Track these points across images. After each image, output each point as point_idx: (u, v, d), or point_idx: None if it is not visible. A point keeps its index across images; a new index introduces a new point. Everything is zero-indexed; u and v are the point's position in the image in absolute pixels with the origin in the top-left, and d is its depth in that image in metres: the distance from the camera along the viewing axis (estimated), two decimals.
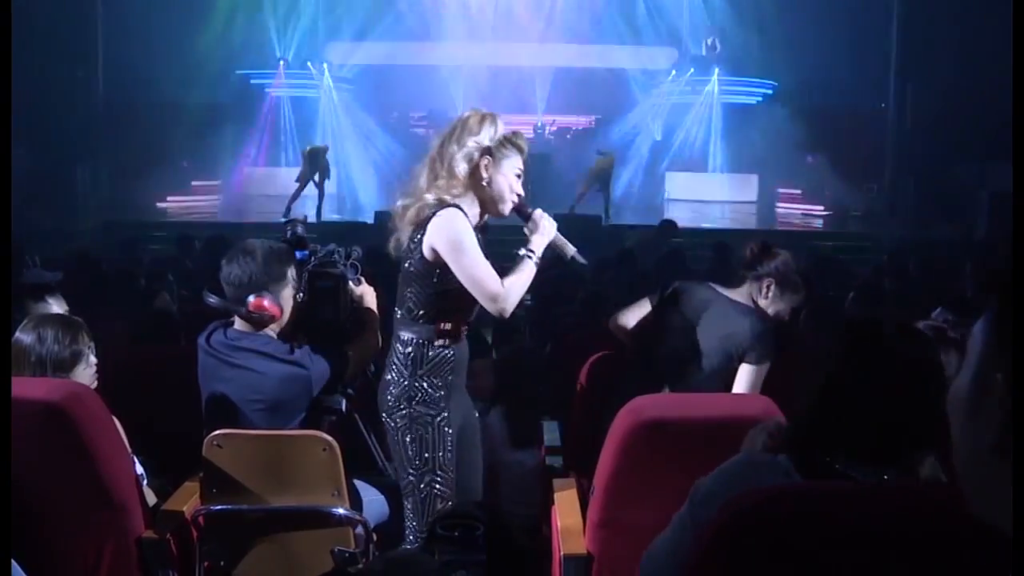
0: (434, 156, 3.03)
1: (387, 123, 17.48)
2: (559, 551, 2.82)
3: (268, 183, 17.29)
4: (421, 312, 2.98)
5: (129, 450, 2.98)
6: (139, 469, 3.07)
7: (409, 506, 3.03)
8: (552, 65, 18.34)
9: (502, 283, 2.94)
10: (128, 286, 6.52)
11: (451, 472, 3.00)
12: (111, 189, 15.76)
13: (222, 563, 2.98)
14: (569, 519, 2.93)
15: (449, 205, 2.95)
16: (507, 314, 2.97)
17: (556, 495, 3.16)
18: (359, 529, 2.93)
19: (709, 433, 2.51)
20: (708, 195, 16.70)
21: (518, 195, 3.07)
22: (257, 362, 3.05)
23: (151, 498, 3.08)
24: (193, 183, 17.17)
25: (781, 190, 17.63)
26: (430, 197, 2.97)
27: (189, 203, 16.64)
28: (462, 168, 2.97)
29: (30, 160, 12.38)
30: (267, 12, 18.06)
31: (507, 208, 3.07)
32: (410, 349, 2.99)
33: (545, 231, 3.04)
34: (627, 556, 2.29)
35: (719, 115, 18.17)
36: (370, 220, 13.05)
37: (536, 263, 3.01)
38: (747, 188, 17.62)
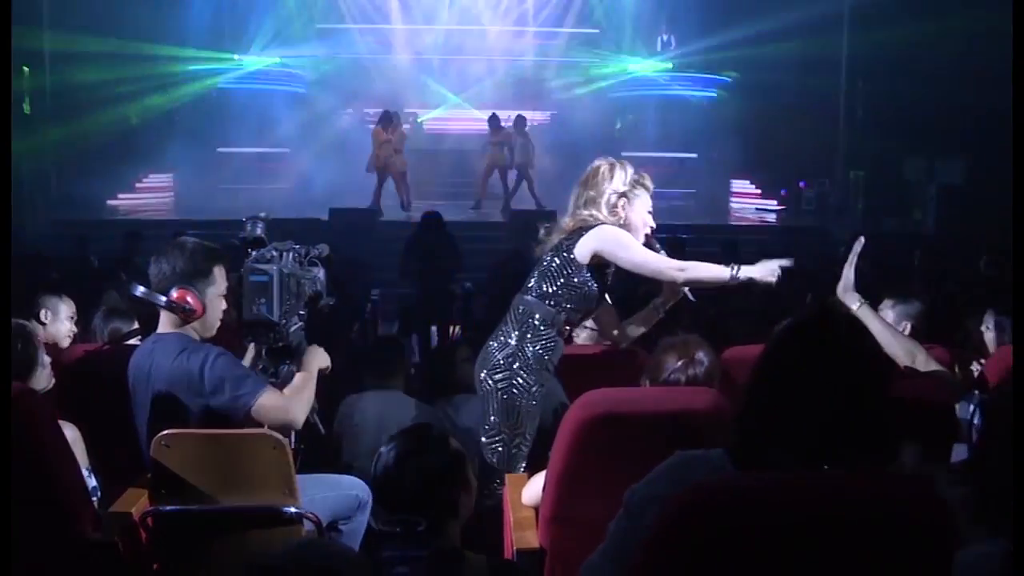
0: (578, 200, 3.55)
1: (341, 117, 17.32)
2: (512, 546, 2.82)
3: (223, 178, 17.02)
4: (549, 299, 3.50)
5: (76, 455, 2.93)
6: (92, 482, 3.02)
7: (494, 460, 3.49)
8: (509, 58, 18.29)
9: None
10: (77, 285, 6.42)
11: (531, 440, 3.49)
12: (59, 187, 15.46)
13: (173, 564, 2.94)
14: (522, 513, 2.93)
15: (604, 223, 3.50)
16: (680, 281, 3.51)
17: (509, 490, 3.16)
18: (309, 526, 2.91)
19: (660, 426, 2.52)
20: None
21: (651, 227, 3.61)
22: (156, 362, 3.03)
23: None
24: (145, 179, 16.88)
25: (733, 180, 17.79)
26: (583, 212, 3.53)
27: (140, 200, 16.37)
28: (604, 211, 3.51)
29: None
30: (219, 4, 17.79)
31: (641, 239, 3.59)
32: (527, 319, 3.50)
33: (765, 273, 3.45)
34: (580, 550, 2.29)
35: (673, 110, 18.23)
36: (324, 216, 12.97)
37: (732, 277, 3.43)
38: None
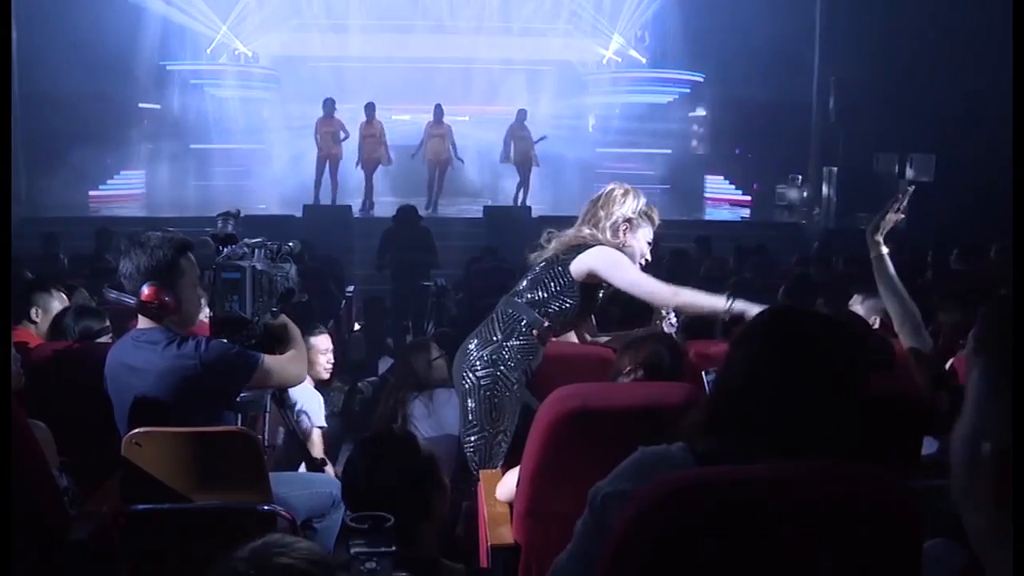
0: (585, 216, 3.66)
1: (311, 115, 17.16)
2: (487, 541, 2.82)
3: (195, 174, 16.88)
4: (538, 307, 3.57)
5: (46, 455, 2.90)
6: (63, 482, 2.99)
7: (475, 457, 3.53)
8: (476, 56, 18.20)
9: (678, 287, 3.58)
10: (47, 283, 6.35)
11: (511, 436, 3.53)
12: (28, 185, 15.24)
13: (146, 564, 2.92)
14: (496, 509, 2.93)
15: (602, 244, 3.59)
16: (669, 305, 3.61)
17: (483, 485, 3.17)
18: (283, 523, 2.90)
19: (632, 421, 2.53)
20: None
21: (645, 259, 3.71)
22: (142, 358, 2.99)
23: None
24: (116, 176, 16.70)
25: (708, 176, 17.90)
26: (585, 231, 3.62)
27: (112, 196, 16.19)
28: (608, 233, 3.61)
29: None
30: (188, 2, 17.62)
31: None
32: (514, 323, 3.57)
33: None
34: (555, 545, 2.30)
35: (646, 106, 18.25)
36: (298, 213, 12.90)
37: (724, 314, 3.41)
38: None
